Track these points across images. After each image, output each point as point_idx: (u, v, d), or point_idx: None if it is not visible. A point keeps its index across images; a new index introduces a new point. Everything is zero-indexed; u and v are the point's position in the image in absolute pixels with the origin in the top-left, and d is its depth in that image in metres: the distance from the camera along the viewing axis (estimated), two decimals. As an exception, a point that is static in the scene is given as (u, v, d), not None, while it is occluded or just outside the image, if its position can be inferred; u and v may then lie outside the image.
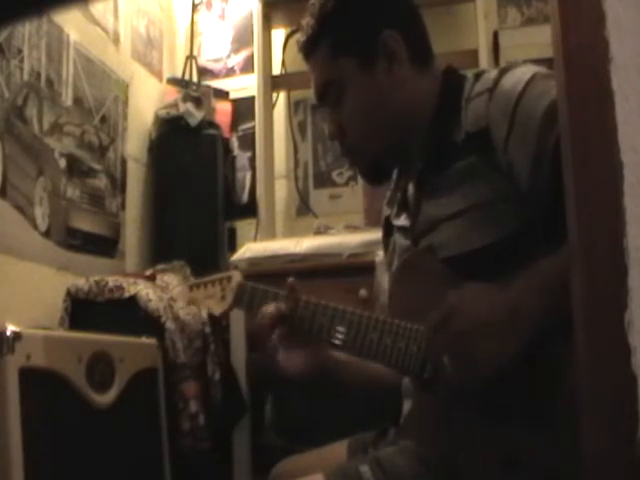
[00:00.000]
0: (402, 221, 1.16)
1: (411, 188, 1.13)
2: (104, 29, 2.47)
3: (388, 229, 1.24)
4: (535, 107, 0.94)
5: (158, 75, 2.90)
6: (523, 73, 0.99)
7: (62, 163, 2.15)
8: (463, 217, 1.00)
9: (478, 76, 1.05)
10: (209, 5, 3.03)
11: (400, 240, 1.16)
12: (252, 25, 2.74)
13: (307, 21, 1.12)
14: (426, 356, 0.96)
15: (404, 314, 1.02)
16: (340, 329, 1.05)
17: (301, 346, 1.11)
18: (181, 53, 3.00)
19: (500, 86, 0.99)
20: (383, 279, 1.71)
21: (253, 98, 2.75)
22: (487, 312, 0.89)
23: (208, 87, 2.82)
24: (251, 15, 2.79)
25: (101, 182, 2.39)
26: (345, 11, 1.10)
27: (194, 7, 2.96)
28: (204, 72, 2.95)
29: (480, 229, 0.99)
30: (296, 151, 2.86)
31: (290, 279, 1.12)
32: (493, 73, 1.03)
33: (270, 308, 1.10)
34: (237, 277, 1.18)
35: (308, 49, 1.13)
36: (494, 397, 0.91)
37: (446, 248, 1.01)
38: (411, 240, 1.11)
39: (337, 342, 1.06)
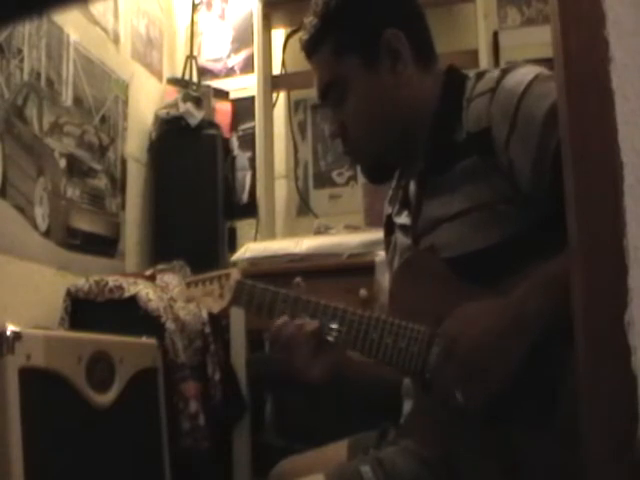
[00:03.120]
0: (403, 219, 1.16)
1: (412, 186, 1.13)
2: (104, 29, 2.47)
3: (390, 227, 1.24)
4: (537, 108, 0.94)
5: (158, 75, 2.90)
6: (524, 74, 0.98)
7: (62, 163, 2.15)
8: (464, 218, 1.00)
9: (480, 76, 1.05)
10: (209, 5, 3.03)
11: (401, 239, 1.16)
12: (252, 25, 2.74)
13: (310, 19, 1.11)
14: (438, 393, 0.95)
15: (405, 314, 1.02)
16: (341, 328, 1.05)
17: (321, 352, 1.08)
18: (181, 53, 3.00)
19: (502, 86, 0.99)
20: (383, 279, 1.70)
21: (253, 98, 2.75)
22: (489, 327, 0.91)
23: (208, 87, 2.82)
24: (251, 15, 2.79)
25: (101, 182, 2.39)
26: (349, 9, 1.10)
27: (194, 7, 2.96)
28: (204, 72, 2.95)
29: (481, 230, 0.99)
30: (296, 151, 2.86)
31: (297, 279, 1.11)
32: (495, 73, 1.03)
33: (306, 325, 1.06)
34: (235, 275, 1.17)
35: (311, 48, 1.13)
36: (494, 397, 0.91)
37: (447, 249, 1.01)
38: (412, 239, 1.11)
39: (337, 341, 1.06)
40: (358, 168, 1.27)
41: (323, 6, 1.10)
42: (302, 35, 1.14)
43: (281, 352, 1.08)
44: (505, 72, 1.01)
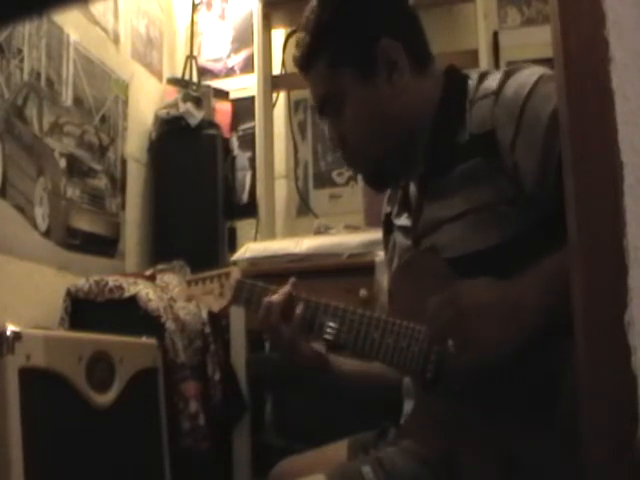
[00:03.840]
0: (403, 221, 1.16)
1: (413, 188, 1.13)
2: (104, 29, 2.47)
3: (388, 226, 1.24)
4: (542, 110, 0.93)
5: (158, 75, 2.90)
6: (529, 75, 0.98)
7: (62, 163, 2.15)
8: (465, 219, 1.00)
9: (482, 77, 1.04)
10: (209, 5, 3.03)
11: (401, 239, 1.16)
12: (252, 25, 2.74)
13: (303, 36, 1.09)
14: (431, 332, 0.95)
15: (405, 314, 1.02)
16: (341, 328, 1.05)
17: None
18: (181, 53, 3.00)
19: (506, 89, 0.99)
20: (383, 279, 1.70)
21: (253, 98, 2.75)
22: (491, 299, 0.90)
23: (208, 87, 2.82)
24: (251, 15, 2.79)
25: (101, 182, 2.39)
26: (341, 22, 1.08)
27: (194, 7, 2.96)
28: (204, 72, 2.95)
29: (483, 231, 0.98)
30: (296, 151, 2.86)
31: (292, 279, 1.11)
32: (498, 75, 1.02)
33: (275, 296, 1.10)
34: (236, 273, 1.17)
35: (305, 64, 1.10)
36: (494, 397, 0.91)
37: (448, 249, 1.01)
38: (412, 240, 1.11)
39: (337, 340, 1.06)
40: (360, 177, 1.26)
41: (315, 21, 1.08)
42: (295, 53, 1.12)
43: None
44: (509, 74, 1.01)
